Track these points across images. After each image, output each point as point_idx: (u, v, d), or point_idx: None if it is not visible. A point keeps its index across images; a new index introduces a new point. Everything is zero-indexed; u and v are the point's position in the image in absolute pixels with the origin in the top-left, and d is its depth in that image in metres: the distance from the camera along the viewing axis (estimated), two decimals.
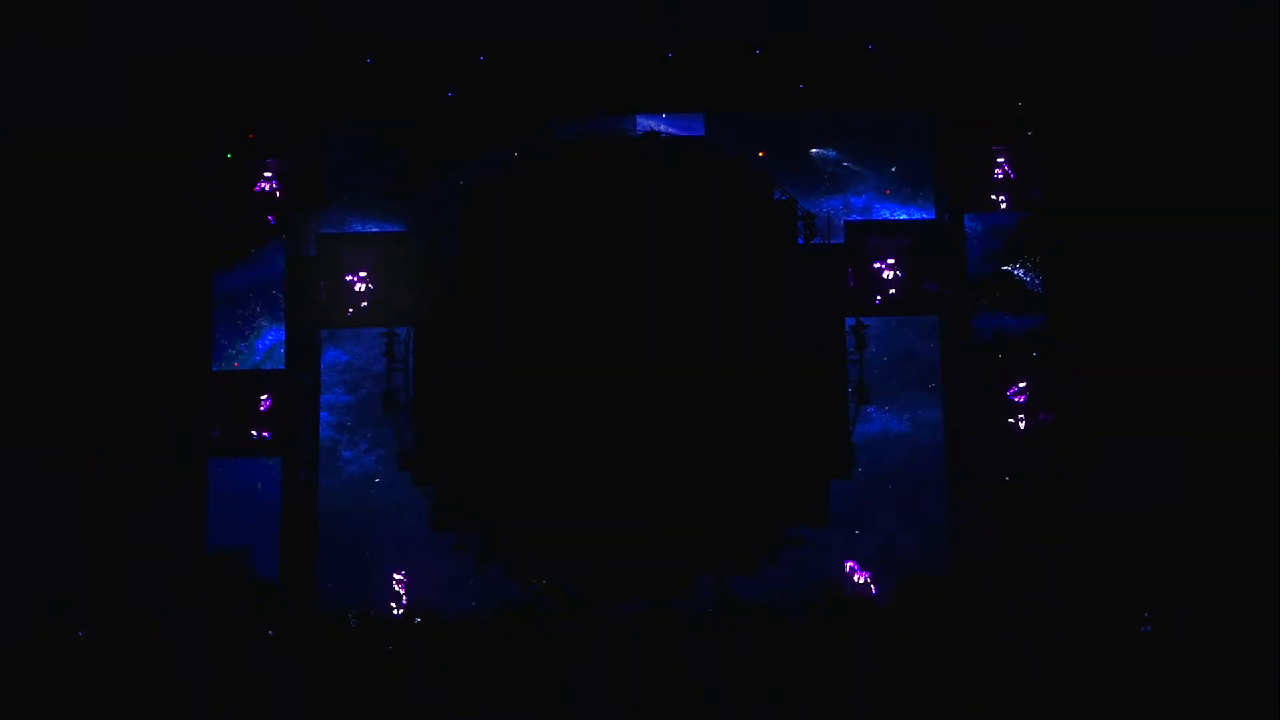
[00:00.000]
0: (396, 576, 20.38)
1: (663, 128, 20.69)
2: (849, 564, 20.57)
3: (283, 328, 21.15)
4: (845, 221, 20.68)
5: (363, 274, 20.34)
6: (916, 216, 21.62)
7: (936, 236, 20.46)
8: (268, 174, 20.45)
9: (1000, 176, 20.02)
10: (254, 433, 20.04)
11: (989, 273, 21.04)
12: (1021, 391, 19.62)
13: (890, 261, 20.22)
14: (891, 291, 20.22)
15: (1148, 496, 17.60)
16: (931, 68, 19.87)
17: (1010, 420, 19.60)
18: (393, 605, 20.01)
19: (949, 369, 20.52)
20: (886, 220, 21.49)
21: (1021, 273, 20.94)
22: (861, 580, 20.23)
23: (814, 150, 21.64)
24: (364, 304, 20.34)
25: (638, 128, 20.62)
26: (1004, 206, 20.13)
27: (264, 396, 20.03)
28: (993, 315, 20.62)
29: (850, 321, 19.86)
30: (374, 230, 21.50)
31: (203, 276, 20.37)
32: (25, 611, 16.41)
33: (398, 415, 19.88)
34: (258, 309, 21.99)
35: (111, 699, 13.68)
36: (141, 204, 19.16)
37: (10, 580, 17.11)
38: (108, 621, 16.37)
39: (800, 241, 20.15)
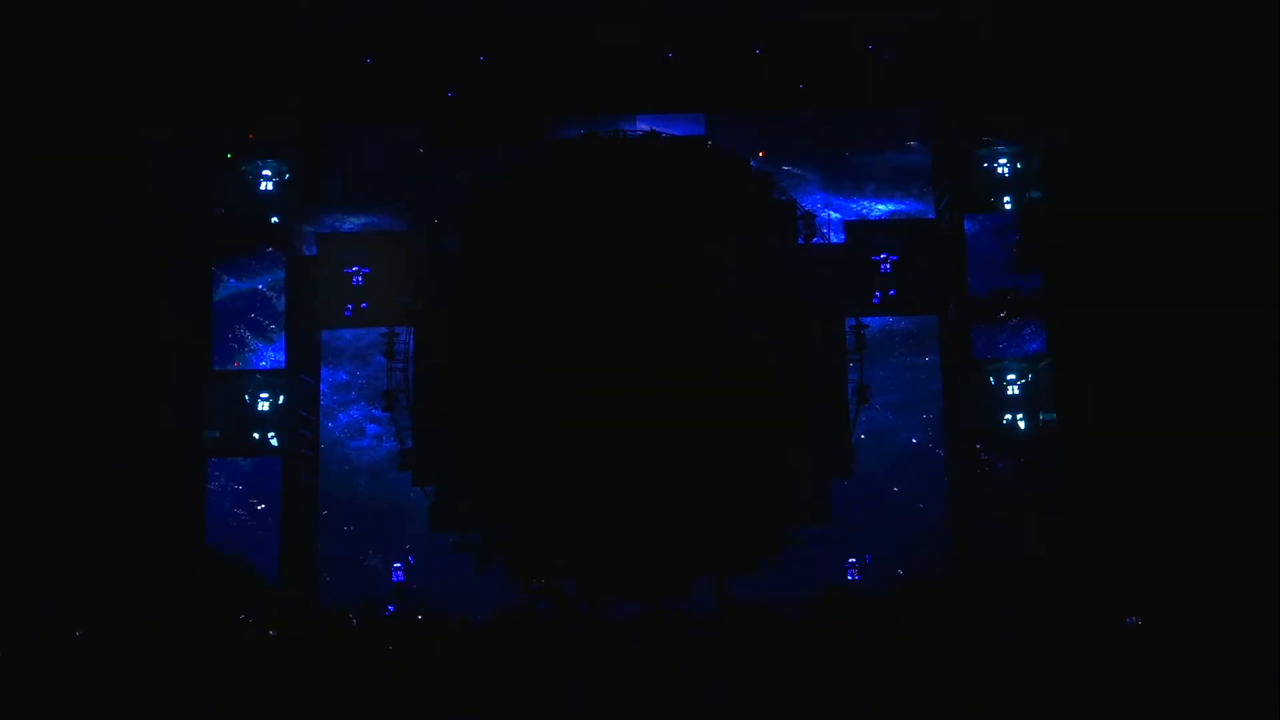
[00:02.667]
0: (395, 567, 20.44)
1: (662, 128, 20.70)
2: (848, 564, 20.58)
3: (272, 347, 21.32)
4: (845, 221, 20.73)
5: (363, 274, 20.38)
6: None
7: (936, 236, 20.50)
8: (268, 174, 20.48)
9: (999, 176, 20.07)
10: (254, 433, 20.09)
11: None
12: (1021, 390, 19.68)
13: (890, 261, 20.26)
14: (891, 291, 20.26)
15: (1148, 495, 17.58)
16: (931, 67, 19.88)
17: (1010, 419, 19.65)
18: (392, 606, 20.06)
19: (949, 369, 20.53)
20: (887, 220, 21.52)
21: None
22: (859, 579, 20.25)
23: None
24: (364, 304, 20.37)
25: (637, 128, 20.61)
26: (1007, 207, 20.18)
27: (264, 396, 20.09)
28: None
29: (850, 322, 19.89)
30: (373, 230, 21.52)
31: (203, 276, 20.39)
32: (25, 611, 16.39)
33: (397, 415, 19.88)
34: (246, 332, 22.00)
35: (111, 699, 13.67)
36: (141, 203, 19.14)
37: (10, 580, 17.09)
38: (108, 621, 16.34)
39: (800, 241, 20.16)
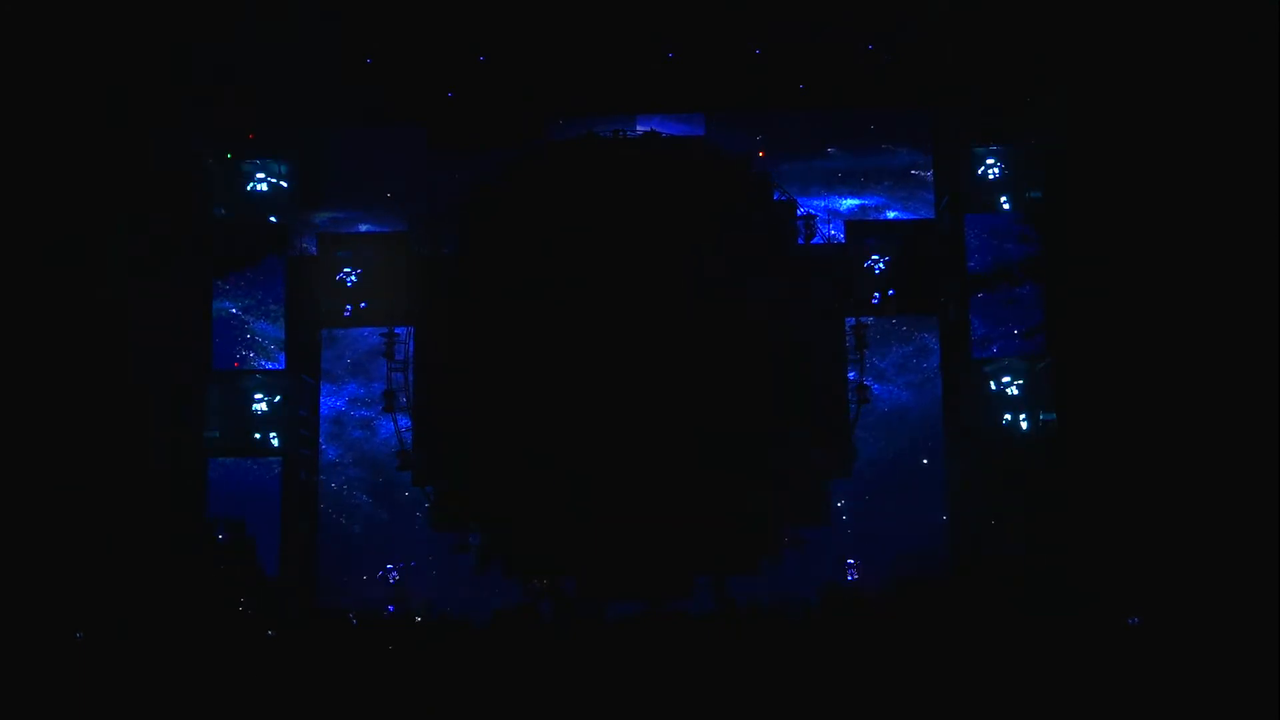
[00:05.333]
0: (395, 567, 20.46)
1: (662, 128, 20.70)
2: (848, 564, 20.60)
3: (273, 363, 21.36)
4: (846, 221, 20.77)
5: (361, 274, 20.38)
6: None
7: (936, 236, 20.53)
8: (266, 174, 20.47)
9: (1000, 176, 20.09)
10: (254, 433, 20.08)
11: None
12: (1021, 390, 19.69)
13: (890, 261, 20.30)
14: (891, 291, 20.28)
15: (1147, 496, 17.58)
16: (931, 67, 19.88)
17: (1010, 419, 19.66)
18: (391, 606, 20.08)
19: (949, 368, 20.56)
20: (887, 220, 21.56)
21: None
22: (859, 579, 20.27)
23: None
24: (363, 304, 20.38)
25: (637, 128, 20.62)
26: (1006, 207, 20.20)
27: (263, 396, 20.10)
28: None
29: (850, 321, 19.90)
30: (374, 230, 21.53)
31: (203, 276, 20.39)
32: (25, 611, 16.39)
33: (397, 415, 19.89)
34: (249, 353, 21.99)
35: (111, 699, 13.67)
36: (141, 203, 19.14)
37: (10, 580, 17.09)
38: (107, 621, 16.35)
39: (800, 241, 20.17)
